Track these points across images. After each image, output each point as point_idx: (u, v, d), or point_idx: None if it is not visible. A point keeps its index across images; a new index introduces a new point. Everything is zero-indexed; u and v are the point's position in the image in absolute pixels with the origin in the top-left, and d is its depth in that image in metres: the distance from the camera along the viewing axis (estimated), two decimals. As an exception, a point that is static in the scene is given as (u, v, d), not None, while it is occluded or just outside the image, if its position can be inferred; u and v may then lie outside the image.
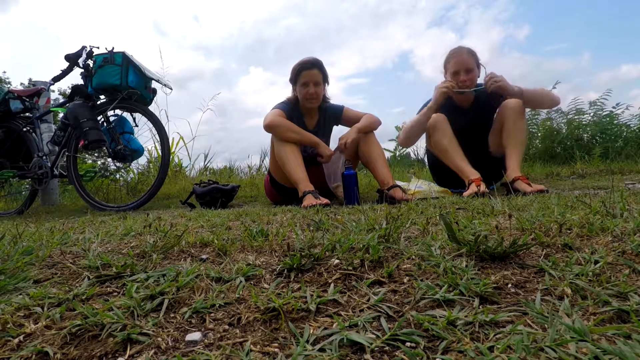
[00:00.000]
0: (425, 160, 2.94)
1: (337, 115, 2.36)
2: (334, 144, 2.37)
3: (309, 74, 2.18)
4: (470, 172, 1.97)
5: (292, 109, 2.27)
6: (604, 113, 4.42)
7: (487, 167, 2.23)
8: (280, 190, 2.36)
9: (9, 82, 12.70)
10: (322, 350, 0.43)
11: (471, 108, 2.30)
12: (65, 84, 14.27)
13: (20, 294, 0.61)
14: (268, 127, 2.13)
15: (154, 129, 2.60)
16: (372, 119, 2.22)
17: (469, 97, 2.27)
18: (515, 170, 1.93)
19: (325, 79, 2.25)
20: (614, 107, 4.38)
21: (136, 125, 2.71)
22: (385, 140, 5.32)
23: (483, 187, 1.85)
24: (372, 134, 2.22)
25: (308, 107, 2.26)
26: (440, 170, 2.33)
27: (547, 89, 2.11)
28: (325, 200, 1.83)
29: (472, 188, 1.87)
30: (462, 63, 2.14)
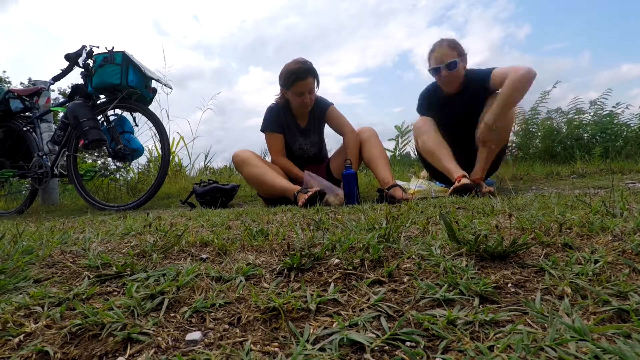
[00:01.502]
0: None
1: (323, 112, 2.33)
2: (330, 141, 2.36)
3: (303, 84, 2.13)
4: (455, 171, 1.98)
5: (282, 111, 2.28)
6: (604, 113, 4.42)
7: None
8: (272, 201, 2.34)
9: (9, 82, 12.71)
10: (322, 349, 0.43)
11: (461, 94, 2.24)
12: (65, 84, 14.29)
13: (21, 294, 0.61)
14: (250, 181, 2.18)
15: (154, 129, 2.60)
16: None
17: (453, 85, 2.21)
18: (477, 172, 2.04)
19: (318, 83, 2.24)
20: (614, 107, 4.38)
21: (136, 125, 2.70)
22: (385, 140, 5.32)
23: (464, 180, 1.84)
24: (376, 135, 2.22)
25: (301, 112, 2.27)
26: (433, 169, 2.33)
27: (515, 75, 1.93)
28: (316, 188, 1.83)
29: (455, 185, 1.86)
30: (441, 58, 2.12)
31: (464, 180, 1.84)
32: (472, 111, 2.22)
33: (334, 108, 2.33)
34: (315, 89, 2.25)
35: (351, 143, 2.21)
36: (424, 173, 2.59)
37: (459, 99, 2.26)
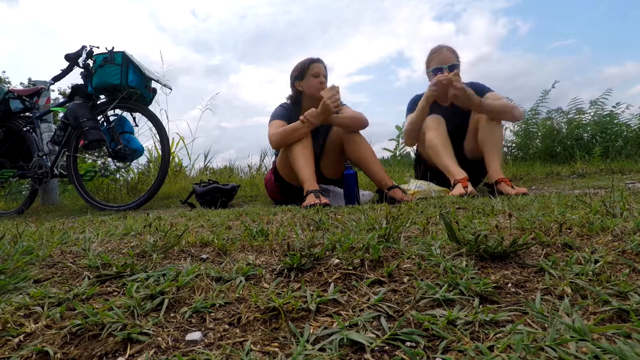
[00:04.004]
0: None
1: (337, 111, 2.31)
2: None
3: (318, 66, 2.24)
4: (457, 172, 1.96)
5: (292, 110, 2.27)
6: (604, 112, 4.41)
7: (469, 167, 2.24)
8: (284, 188, 2.35)
9: (9, 82, 12.71)
10: (322, 349, 0.43)
11: (450, 106, 2.27)
12: (65, 84, 14.28)
13: (21, 294, 0.61)
14: (277, 145, 2.15)
15: (154, 129, 2.60)
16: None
17: (448, 95, 2.25)
18: (498, 171, 1.95)
19: (326, 78, 2.28)
20: (614, 107, 4.38)
21: (136, 125, 2.70)
22: (385, 140, 5.31)
23: (470, 188, 1.84)
24: (359, 134, 2.19)
25: (317, 97, 2.23)
26: (431, 168, 2.31)
27: (512, 104, 2.14)
28: (324, 200, 1.83)
29: (459, 189, 1.85)
30: (443, 60, 2.23)
31: (470, 189, 1.83)
32: (462, 120, 2.23)
33: (344, 105, 2.33)
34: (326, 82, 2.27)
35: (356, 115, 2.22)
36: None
37: (450, 107, 2.26)
